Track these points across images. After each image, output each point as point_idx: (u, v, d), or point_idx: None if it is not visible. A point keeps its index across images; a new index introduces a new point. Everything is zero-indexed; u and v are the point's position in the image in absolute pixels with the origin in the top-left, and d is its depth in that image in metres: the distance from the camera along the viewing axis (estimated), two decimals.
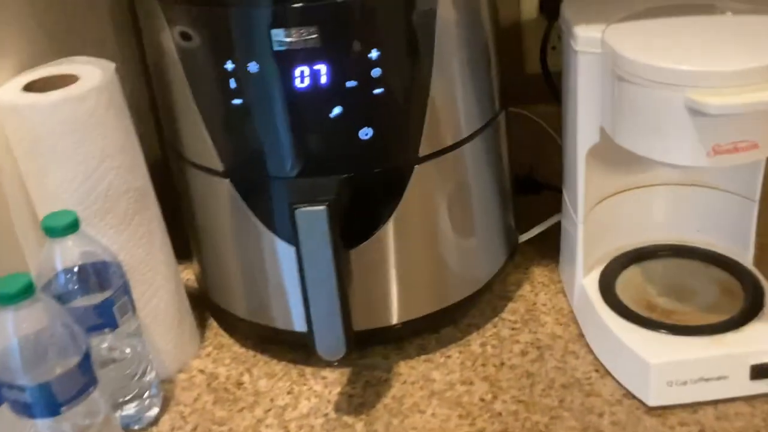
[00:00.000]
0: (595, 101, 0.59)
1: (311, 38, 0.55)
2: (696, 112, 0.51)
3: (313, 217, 0.56)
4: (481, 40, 0.63)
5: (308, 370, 0.70)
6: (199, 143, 0.63)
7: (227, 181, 0.63)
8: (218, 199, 0.65)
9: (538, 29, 0.86)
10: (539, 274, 0.77)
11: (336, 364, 0.69)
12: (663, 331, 0.62)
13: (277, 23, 0.54)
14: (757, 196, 0.65)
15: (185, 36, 0.58)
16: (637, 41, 0.55)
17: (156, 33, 0.61)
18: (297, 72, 0.56)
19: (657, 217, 0.70)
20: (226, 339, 0.74)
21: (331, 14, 0.55)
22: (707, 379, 0.60)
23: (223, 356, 0.72)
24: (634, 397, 0.62)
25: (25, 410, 0.53)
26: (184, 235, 0.72)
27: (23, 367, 0.52)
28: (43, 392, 0.52)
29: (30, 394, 0.52)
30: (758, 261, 0.68)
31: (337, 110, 0.57)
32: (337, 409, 0.65)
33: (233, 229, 0.66)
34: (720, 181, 0.67)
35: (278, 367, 0.70)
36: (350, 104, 0.57)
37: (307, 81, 0.56)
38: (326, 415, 0.65)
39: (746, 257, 0.68)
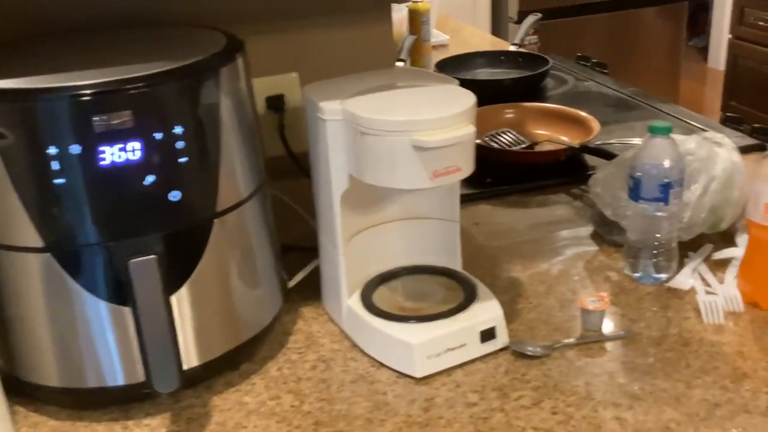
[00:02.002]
0: (342, 155, 0.79)
1: (126, 120, 0.67)
2: (420, 148, 0.73)
3: (146, 266, 0.68)
4: (249, 123, 0.80)
5: (130, 422, 0.77)
6: (15, 224, 0.70)
7: (46, 255, 0.71)
8: (32, 276, 0.72)
9: (267, 122, 1.06)
10: (307, 311, 0.93)
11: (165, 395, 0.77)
12: (415, 321, 0.83)
13: (96, 110, 0.66)
14: (457, 217, 0.90)
15: (5, 131, 0.67)
16: (369, 107, 0.76)
17: None
18: (115, 149, 0.68)
19: (391, 247, 0.91)
20: (37, 417, 0.78)
21: (142, 100, 0.68)
22: (453, 348, 0.81)
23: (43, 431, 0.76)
24: (406, 375, 0.81)
25: None
26: None
27: None
28: None
29: None
30: (465, 266, 0.92)
31: (150, 178, 0.70)
32: None
33: (49, 301, 0.73)
34: (432, 212, 0.91)
35: (100, 427, 0.77)
36: (160, 173, 0.70)
37: (123, 156, 0.68)
38: None
39: (457, 264, 0.91)
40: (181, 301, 0.76)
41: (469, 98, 0.78)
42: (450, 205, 0.90)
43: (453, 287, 0.89)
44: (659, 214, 0.90)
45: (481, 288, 0.87)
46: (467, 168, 0.78)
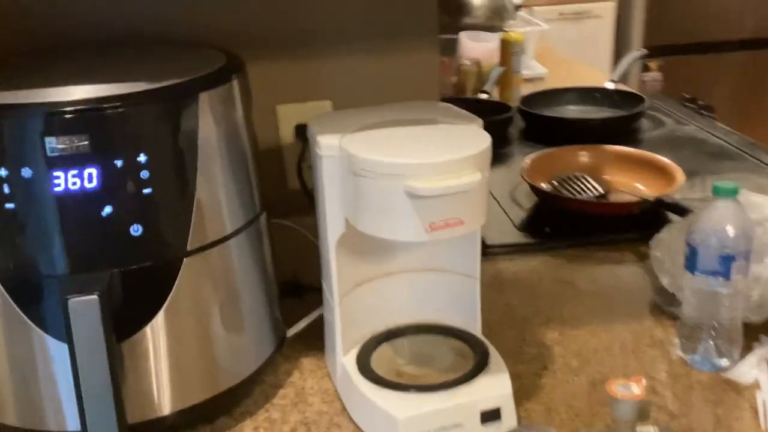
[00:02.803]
0: (339, 196, 0.71)
1: (82, 144, 0.61)
2: (413, 195, 0.63)
3: (86, 306, 0.61)
4: (240, 152, 0.73)
5: None
6: None
7: None
8: None
9: (294, 151, 0.98)
10: (308, 363, 0.84)
11: None
12: (408, 391, 0.72)
13: (49, 131, 0.61)
14: (477, 274, 0.79)
15: None
16: (366, 145, 0.67)
17: None
18: (69, 175, 0.62)
19: (401, 300, 0.81)
20: None
21: (101, 123, 0.62)
22: (446, 428, 0.70)
23: None
24: None
25: None
26: None
27: None
28: None
29: None
30: (492, 327, 0.81)
31: (108, 209, 0.63)
32: None
33: (3, 334, 0.68)
34: (448, 265, 0.80)
35: None
36: (120, 203, 0.64)
37: (78, 183, 0.62)
38: None
39: (476, 326, 0.80)
40: (154, 342, 0.69)
41: (482, 142, 0.67)
42: (469, 258, 0.78)
43: (465, 353, 0.78)
44: (720, 290, 0.76)
45: (495, 357, 0.76)
46: (473, 221, 0.67)
